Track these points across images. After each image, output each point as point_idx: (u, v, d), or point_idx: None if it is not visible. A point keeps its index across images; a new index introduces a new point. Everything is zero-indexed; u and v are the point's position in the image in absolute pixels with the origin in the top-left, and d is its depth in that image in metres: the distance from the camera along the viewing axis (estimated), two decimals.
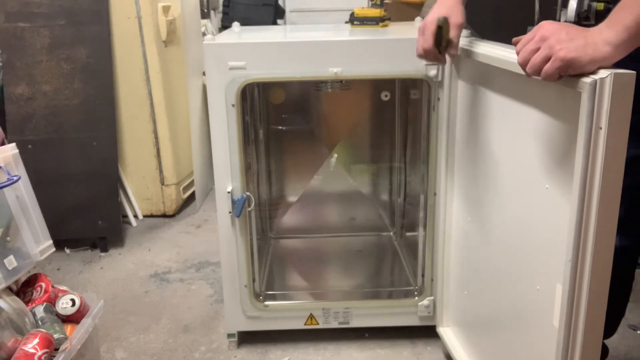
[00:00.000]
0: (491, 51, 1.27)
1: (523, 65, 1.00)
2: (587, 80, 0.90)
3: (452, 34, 1.31)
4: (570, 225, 0.97)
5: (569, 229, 0.98)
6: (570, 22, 1.79)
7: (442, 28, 1.28)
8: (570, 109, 0.98)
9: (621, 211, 0.96)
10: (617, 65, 0.95)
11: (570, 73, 0.93)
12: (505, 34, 1.34)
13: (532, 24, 2.21)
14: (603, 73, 0.90)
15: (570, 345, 1.02)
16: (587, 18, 1.67)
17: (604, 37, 0.93)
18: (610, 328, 1.41)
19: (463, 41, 1.45)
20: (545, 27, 0.97)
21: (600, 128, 0.90)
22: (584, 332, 1.00)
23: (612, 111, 0.89)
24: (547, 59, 0.95)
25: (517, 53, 1.02)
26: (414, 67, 1.57)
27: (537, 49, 0.96)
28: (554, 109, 1.08)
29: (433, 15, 1.31)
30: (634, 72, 0.89)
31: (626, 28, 0.91)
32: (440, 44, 1.31)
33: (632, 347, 1.80)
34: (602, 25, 0.95)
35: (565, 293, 1.00)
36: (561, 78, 0.95)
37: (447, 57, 1.42)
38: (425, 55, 1.37)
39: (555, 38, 0.94)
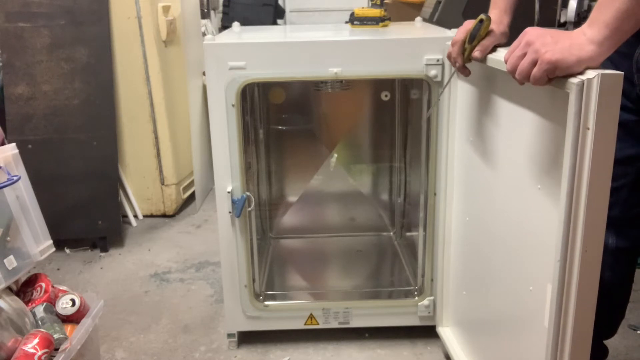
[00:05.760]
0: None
1: (512, 72, 1.01)
2: (575, 80, 0.90)
3: (490, 35, 1.25)
4: (558, 226, 0.98)
5: (557, 229, 0.98)
6: (570, 22, 1.79)
7: (483, 21, 1.23)
8: (560, 110, 0.98)
9: (616, 211, 0.96)
10: (609, 62, 0.95)
11: (558, 75, 0.94)
12: None
13: (532, 24, 2.21)
14: (590, 74, 0.90)
15: (559, 345, 1.02)
16: (587, 18, 1.67)
17: (588, 36, 0.93)
18: (610, 329, 1.41)
19: None
20: (530, 33, 0.98)
21: (588, 128, 0.91)
22: (572, 332, 1.00)
23: (599, 112, 0.89)
24: (534, 63, 0.95)
25: (505, 61, 1.02)
26: (414, 67, 1.57)
27: (524, 55, 0.97)
28: (545, 110, 1.08)
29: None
30: (622, 72, 0.89)
31: (606, 25, 0.92)
32: (474, 39, 1.24)
33: (632, 347, 1.80)
34: (584, 26, 0.95)
35: (555, 293, 1.01)
36: (550, 81, 0.95)
37: (460, 72, 1.35)
38: (451, 47, 1.31)
39: (541, 42, 0.95)
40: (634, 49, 1.09)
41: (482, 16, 1.23)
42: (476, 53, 1.25)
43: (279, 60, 1.58)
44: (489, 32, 1.24)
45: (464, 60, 1.29)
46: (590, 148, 0.91)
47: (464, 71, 1.33)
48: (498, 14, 1.28)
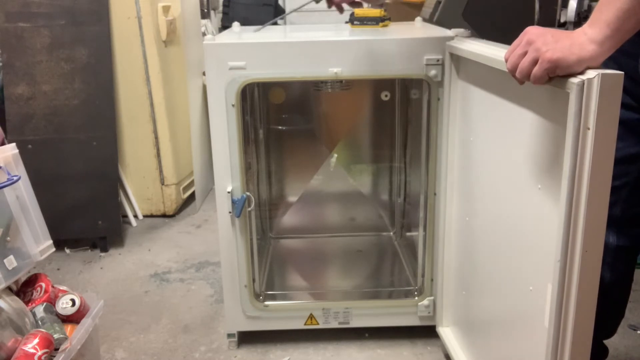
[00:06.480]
0: (488, 52, 1.27)
1: (512, 70, 1.01)
2: (575, 80, 0.90)
3: None
4: (559, 226, 0.98)
5: (557, 229, 0.98)
6: (570, 22, 1.79)
7: None
8: (560, 110, 0.98)
9: (617, 210, 0.95)
10: (610, 60, 0.95)
11: (558, 74, 0.94)
12: (505, 34, 1.34)
13: (532, 23, 2.21)
14: (591, 73, 0.90)
15: (559, 345, 1.02)
16: (587, 18, 1.67)
17: (588, 36, 0.93)
18: (610, 329, 1.41)
19: (462, 41, 1.45)
20: (531, 32, 0.98)
21: (588, 128, 0.90)
22: (573, 332, 1.00)
23: (599, 112, 0.89)
24: (535, 62, 0.95)
25: (506, 60, 1.02)
26: (414, 67, 1.57)
27: (525, 54, 0.97)
28: (546, 110, 1.08)
29: None
30: (622, 72, 0.89)
31: (608, 24, 0.92)
32: None
33: (632, 347, 1.80)
34: (585, 26, 0.95)
35: (555, 293, 1.00)
36: (551, 80, 0.95)
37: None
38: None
39: (542, 41, 0.95)
40: (638, 47, 1.09)
41: None
42: None
43: (279, 60, 1.58)
44: None
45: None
46: (591, 148, 0.91)
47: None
48: None
